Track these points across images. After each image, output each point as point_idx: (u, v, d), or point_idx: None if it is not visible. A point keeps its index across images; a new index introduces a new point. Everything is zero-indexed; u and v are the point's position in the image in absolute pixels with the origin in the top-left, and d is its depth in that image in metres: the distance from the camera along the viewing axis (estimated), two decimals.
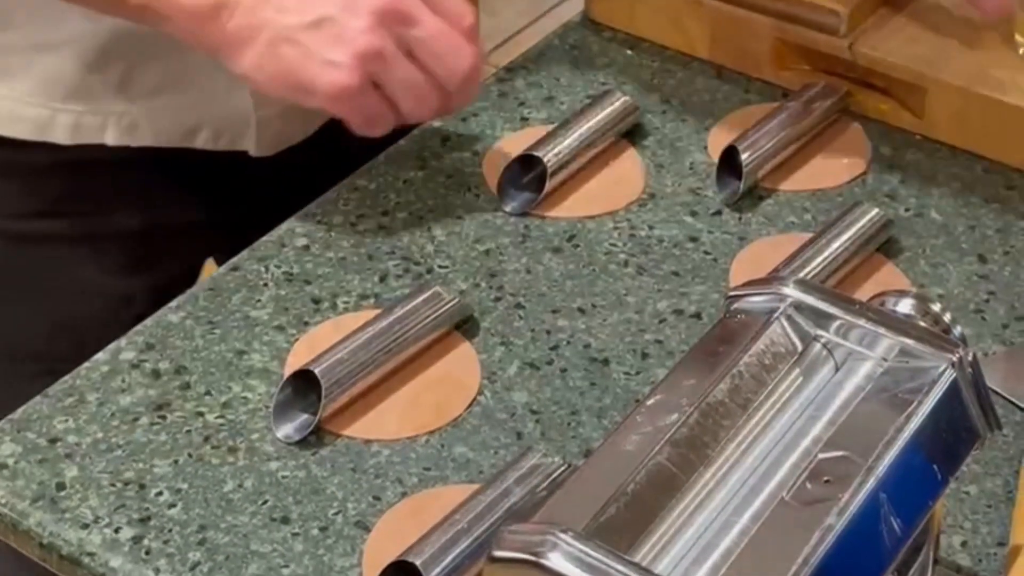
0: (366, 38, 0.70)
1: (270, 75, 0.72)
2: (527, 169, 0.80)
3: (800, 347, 0.56)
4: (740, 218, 0.80)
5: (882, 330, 0.55)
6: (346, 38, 0.70)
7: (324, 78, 0.71)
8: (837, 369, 0.56)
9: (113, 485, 0.64)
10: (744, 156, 0.80)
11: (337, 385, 0.66)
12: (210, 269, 0.85)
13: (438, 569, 0.58)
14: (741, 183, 0.80)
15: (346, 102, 0.72)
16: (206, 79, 0.82)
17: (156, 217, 0.87)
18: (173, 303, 0.74)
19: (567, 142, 0.81)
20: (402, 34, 0.71)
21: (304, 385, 0.67)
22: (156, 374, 0.70)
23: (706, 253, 0.78)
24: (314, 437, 0.67)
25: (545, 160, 0.79)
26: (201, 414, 0.68)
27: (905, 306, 0.58)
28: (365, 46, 0.70)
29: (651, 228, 0.79)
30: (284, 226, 0.79)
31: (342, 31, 0.70)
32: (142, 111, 0.83)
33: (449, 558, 0.59)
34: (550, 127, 0.83)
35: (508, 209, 0.79)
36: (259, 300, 0.74)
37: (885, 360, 0.55)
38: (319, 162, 0.85)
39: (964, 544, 0.63)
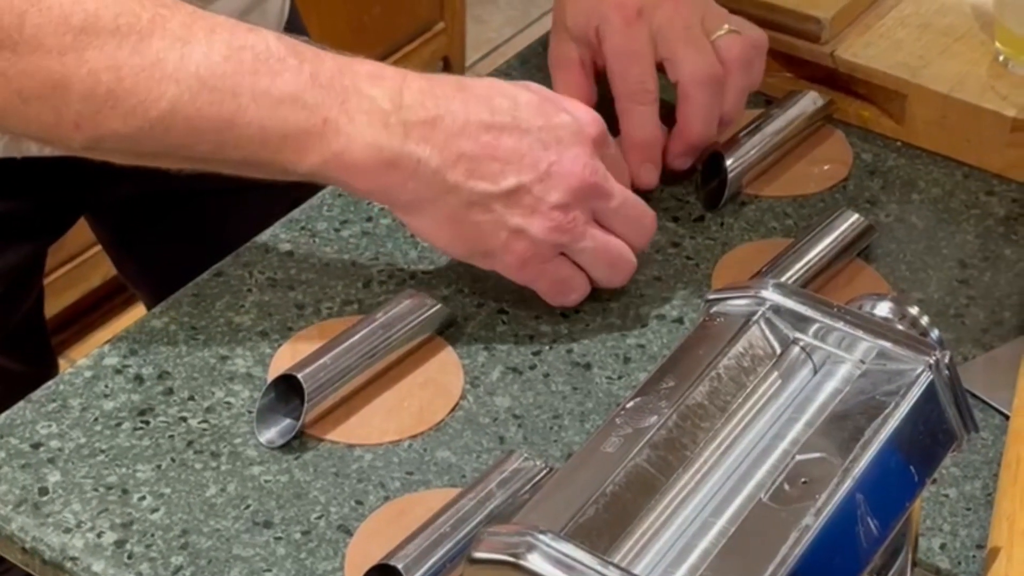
0: (559, 214, 0.68)
1: (453, 238, 0.69)
2: None
3: (779, 350, 0.57)
4: (722, 224, 0.81)
5: (860, 333, 0.56)
6: (540, 211, 0.68)
7: (511, 247, 0.69)
8: (815, 372, 0.56)
9: (96, 490, 0.65)
10: (728, 162, 0.80)
11: (320, 390, 0.67)
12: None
13: (420, 572, 0.58)
14: (726, 191, 0.80)
15: (531, 271, 0.70)
16: None
17: None
18: (156, 309, 0.74)
19: None
20: (595, 206, 0.70)
21: (287, 390, 0.67)
22: (139, 379, 0.70)
23: (688, 258, 0.78)
24: (297, 441, 0.67)
25: None
26: (184, 419, 0.68)
27: (883, 309, 0.58)
28: (558, 222, 0.68)
29: None
30: (268, 232, 0.79)
31: (536, 203, 0.68)
32: None
33: (431, 561, 0.59)
34: None
35: None
36: (243, 306, 0.74)
37: (863, 363, 0.55)
38: None
39: (943, 547, 0.63)
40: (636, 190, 0.74)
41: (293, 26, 0.96)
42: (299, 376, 0.66)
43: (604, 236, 0.71)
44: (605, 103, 0.79)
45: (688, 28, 0.78)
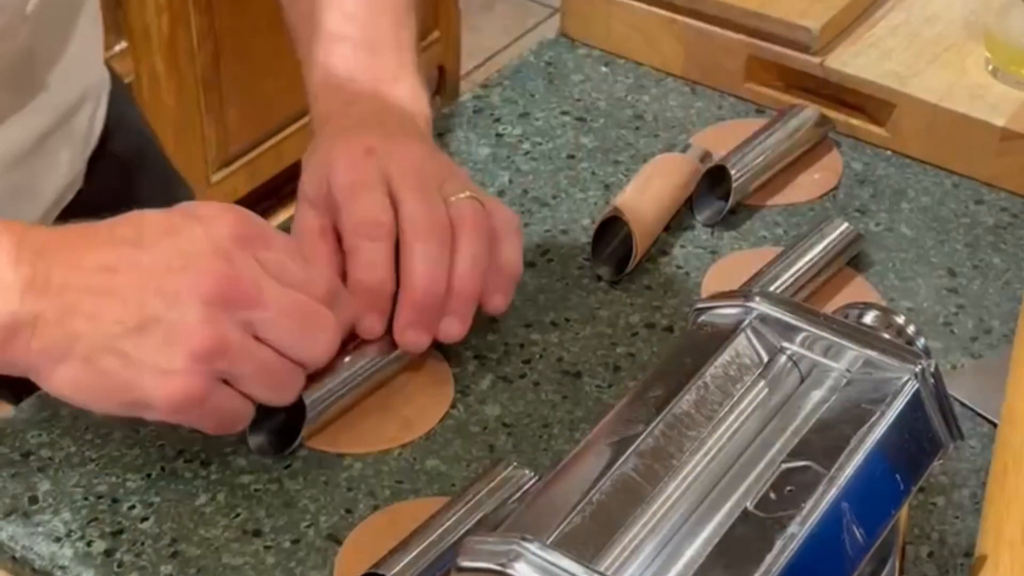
0: (201, 334, 0.59)
1: (94, 394, 0.61)
2: None
3: (766, 359, 0.57)
4: (712, 232, 0.81)
5: (846, 342, 0.56)
6: (178, 339, 0.59)
7: (160, 391, 0.60)
8: (802, 380, 0.56)
9: (86, 499, 0.65)
10: (732, 173, 0.80)
11: (319, 402, 0.66)
12: None
13: None
14: (727, 204, 0.80)
15: (192, 411, 0.61)
16: None
17: None
18: None
19: None
20: (245, 318, 0.61)
21: None
22: None
23: (678, 267, 0.78)
24: (287, 450, 0.67)
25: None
26: (174, 428, 0.68)
27: (870, 318, 0.58)
28: (202, 344, 0.59)
29: None
30: None
31: (172, 331, 0.59)
32: None
33: (420, 570, 0.59)
34: None
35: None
36: None
37: (849, 371, 0.56)
38: None
39: (931, 555, 0.64)
40: None
41: (123, 133, 0.92)
42: (304, 399, 0.66)
43: (265, 355, 0.61)
44: None
45: (421, 177, 0.69)
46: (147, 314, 0.60)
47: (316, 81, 0.78)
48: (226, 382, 0.62)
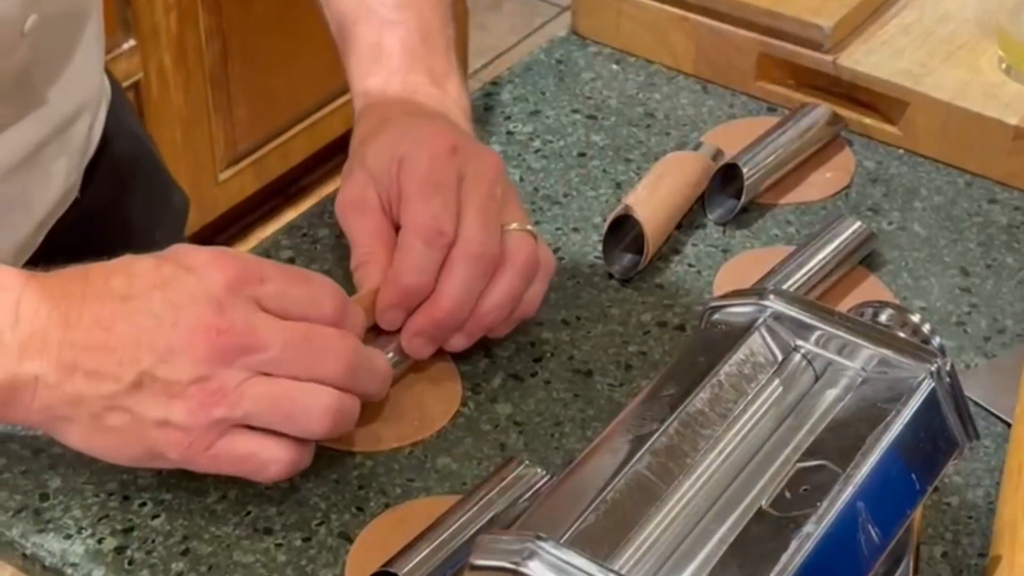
0: (197, 389, 0.59)
1: (106, 449, 0.61)
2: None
3: (780, 357, 0.57)
4: (724, 231, 0.81)
5: (861, 341, 0.56)
6: (175, 393, 0.59)
7: (165, 443, 0.60)
8: (817, 379, 0.56)
9: (96, 496, 0.65)
10: (745, 171, 0.80)
11: None
12: None
13: None
14: (739, 202, 0.80)
15: (202, 459, 0.60)
16: None
17: None
18: None
19: None
20: (244, 363, 0.59)
21: None
22: None
23: (690, 266, 0.78)
24: None
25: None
26: None
27: (884, 317, 0.58)
28: (199, 399, 0.59)
29: None
30: (270, 239, 0.79)
31: (168, 387, 0.59)
32: None
33: (432, 568, 0.59)
34: None
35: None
36: None
37: (864, 370, 0.55)
38: None
39: (945, 555, 0.63)
40: None
41: (119, 141, 0.91)
42: None
43: (268, 389, 0.60)
44: None
45: (491, 197, 0.68)
46: (142, 370, 0.59)
47: (365, 56, 0.77)
48: (242, 427, 0.60)
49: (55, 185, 0.84)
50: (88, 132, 0.86)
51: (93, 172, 0.88)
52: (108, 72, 0.91)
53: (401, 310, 0.68)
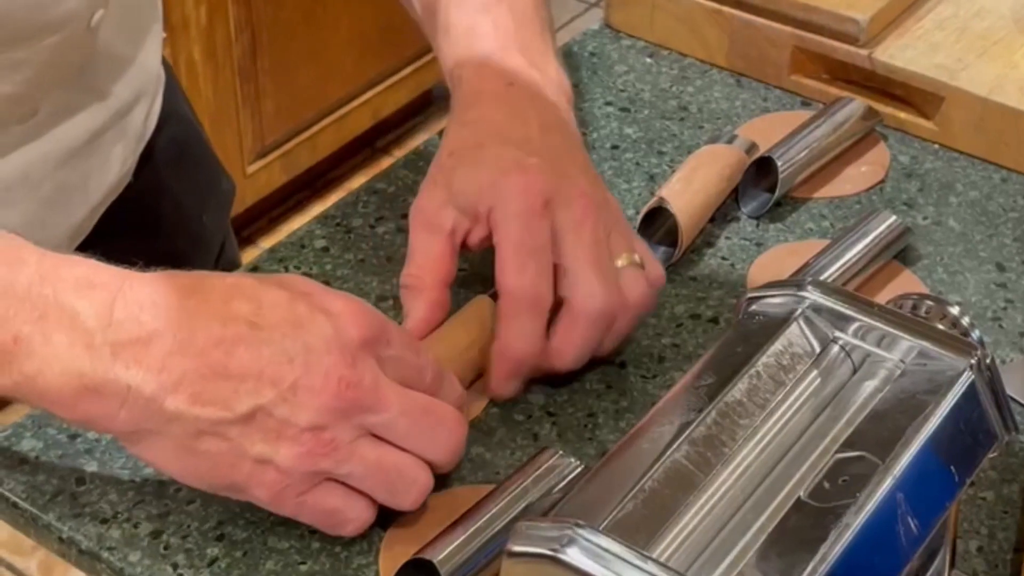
0: (310, 437, 0.57)
1: (187, 470, 0.59)
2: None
3: (818, 348, 0.56)
4: (758, 224, 0.80)
5: (900, 332, 0.55)
6: (287, 435, 0.57)
7: (258, 478, 0.58)
8: (855, 371, 0.56)
9: (132, 481, 0.65)
10: (779, 165, 0.80)
11: None
12: None
13: (455, 566, 0.58)
14: (774, 196, 0.80)
15: (289, 504, 0.59)
16: None
17: None
18: None
19: None
20: (360, 422, 0.58)
21: None
22: None
23: (723, 259, 0.78)
24: None
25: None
26: None
27: (923, 309, 0.58)
28: (309, 446, 0.57)
29: None
30: (304, 228, 0.79)
31: (282, 427, 0.57)
32: None
33: (466, 556, 0.59)
34: None
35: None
36: None
37: (903, 362, 0.55)
38: None
39: (980, 549, 0.63)
40: None
41: (171, 126, 0.91)
42: None
43: (378, 455, 0.59)
44: None
45: (597, 243, 0.67)
46: (259, 404, 0.57)
47: (458, 41, 0.76)
48: (335, 481, 0.59)
49: (112, 170, 0.84)
50: (145, 118, 0.87)
51: (146, 156, 0.89)
52: (163, 59, 0.92)
53: (517, 379, 0.68)
